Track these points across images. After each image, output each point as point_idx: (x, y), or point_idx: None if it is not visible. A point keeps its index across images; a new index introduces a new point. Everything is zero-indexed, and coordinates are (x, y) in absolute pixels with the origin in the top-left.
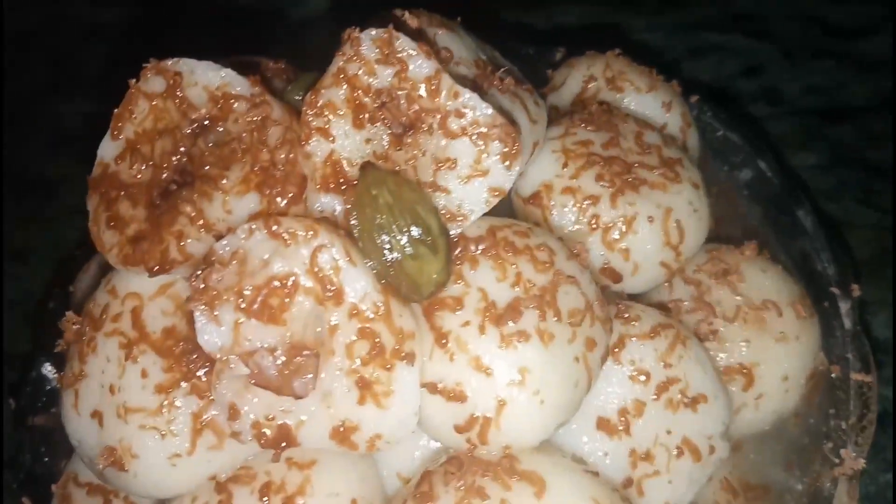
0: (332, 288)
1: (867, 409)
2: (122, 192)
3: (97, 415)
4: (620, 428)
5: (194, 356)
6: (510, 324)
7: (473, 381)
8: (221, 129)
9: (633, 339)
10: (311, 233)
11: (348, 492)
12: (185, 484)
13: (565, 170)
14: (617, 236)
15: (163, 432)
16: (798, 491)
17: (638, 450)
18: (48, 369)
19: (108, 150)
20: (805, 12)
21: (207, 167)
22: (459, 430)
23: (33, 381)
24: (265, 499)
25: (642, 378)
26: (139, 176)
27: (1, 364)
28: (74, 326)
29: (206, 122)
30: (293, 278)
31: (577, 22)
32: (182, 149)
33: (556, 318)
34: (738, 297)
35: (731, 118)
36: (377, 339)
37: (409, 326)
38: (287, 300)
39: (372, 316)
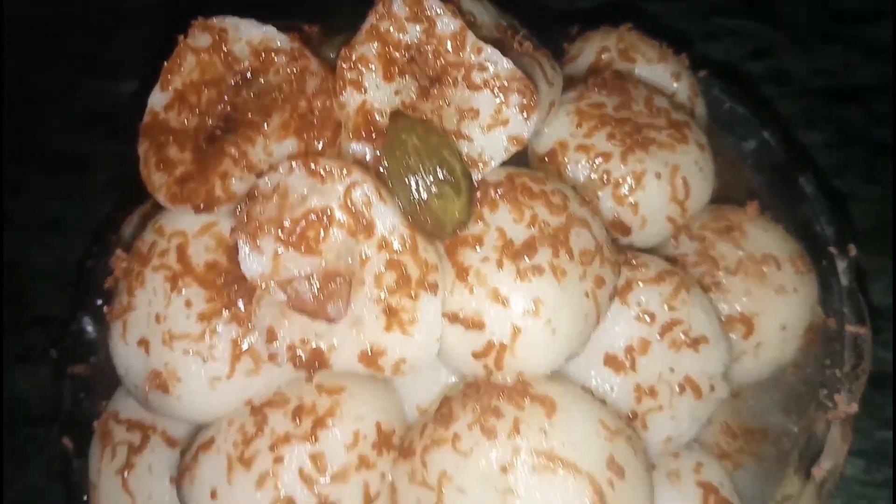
0: (364, 221)
1: (861, 359)
2: (171, 138)
3: (143, 343)
4: (627, 364)
5: (234, 287)
6: (526, 259)
7: (491, 311)
8: (263, 81)
9: (640, 283)
10: (346, 171)
11: (373, 416)
12: (223, 407)
13: (579, 129)
14: (626, 191)
15: (204, 357)
16: (794, 434)
17: (643, 385)
18: (87, 322)
19: (157, 99)
20: None
21: (250, 114)
22: (477, 356)
23: (73, 333)
24: (297, 419)
25: (648, 319)
26: (186, 123)
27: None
28: (123, 264)
29: (249, 75)
30: (329, 212)
31: (593, 3)
32: (226, 98)
33: (568, 257)
34: (740, 252)
35: (738, 92)
36: (404, 270)
37: (433, 260)
38: (322, 232)
39: (399, 248)
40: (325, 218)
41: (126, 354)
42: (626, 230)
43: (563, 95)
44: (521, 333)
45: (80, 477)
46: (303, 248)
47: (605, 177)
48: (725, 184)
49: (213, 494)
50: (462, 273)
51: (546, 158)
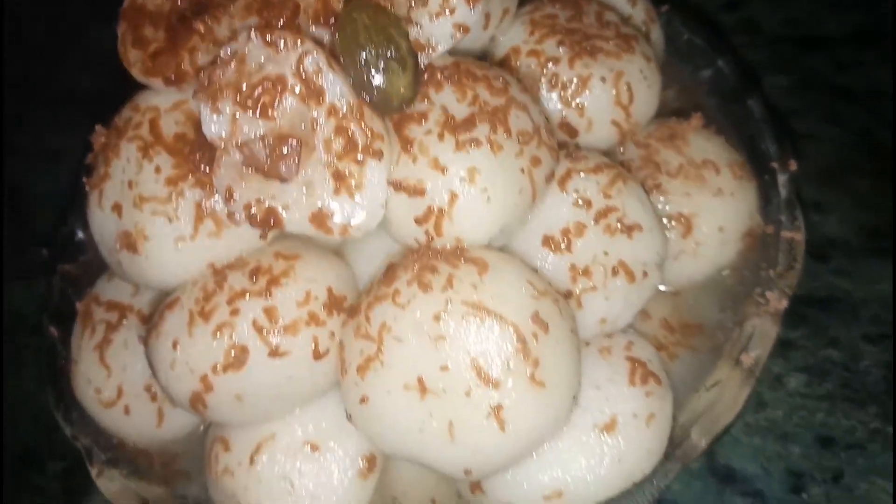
0: (314, 87)
1: (794, 261)
2: (146, 20)
3: (117, 207)
4: (562, 245)
5: (199, 154)
6: (465, 133)
7: (431, 178)
8: None
9: (580, 172)
10: (299, 41)
11: (325, 280)
12: (187, 268)
13: (531, 37)
14: (572, 93)
15: (170, 217)
16: (728, 328)
17: (577, 265)
18: (78, 226)
19: None
20: None
21: None
22: (419, 221)
23: (64, 235)
24: (254, 278)
25: (584, 205)
26: (161, 5)
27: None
28: (101, 139)
29: None
30: (282, 79)
31: None
32: None
33: (505, 134)
34: (682, 157)
35: (696, 26)
36: (351, 136)
37: (379, 129)
38: (277, 97)
39: (347, 115)
40: (279, 84)
41: (101, 220)
42: (574, 132)
43: (519, 9)
44: (458, 198)
45: (64, 360)
46: (258, 111)
47: (553, 79)
48: (681, 107)
49: (175, 345)
50: (406, 145)
51: (501, 64)
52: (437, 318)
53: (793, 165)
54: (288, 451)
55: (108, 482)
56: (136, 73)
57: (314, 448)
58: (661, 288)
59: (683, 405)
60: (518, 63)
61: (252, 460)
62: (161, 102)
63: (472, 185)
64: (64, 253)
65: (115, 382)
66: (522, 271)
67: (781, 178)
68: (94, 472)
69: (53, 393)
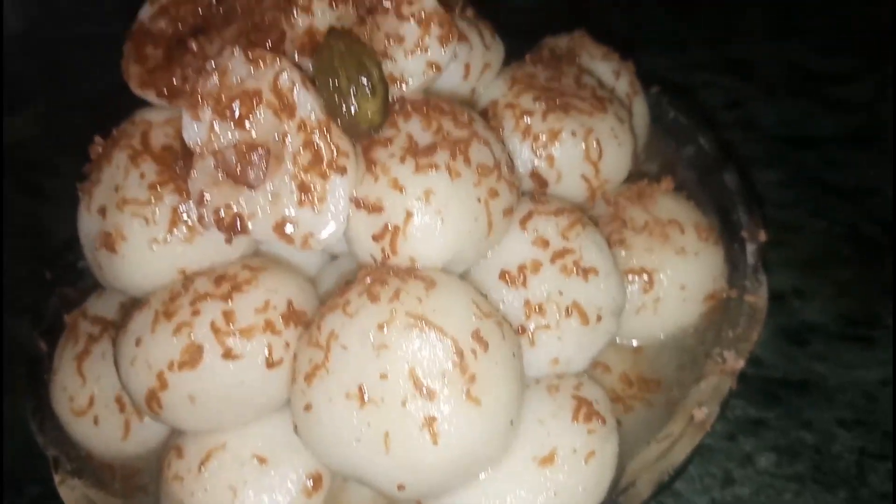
0: (287, 102)
1: (756, 323)
2: (150, 40)
3: (102, 210)
4: (518, 280)
5: (181, 163)
6: (425, 158)
7: (389, 197)
8: (231, 0)
9: (540, 214)
10: (277, 60)
11: (286, 292)
12: (160, 270)
13: (510, 91)
14: (543, 143)
15: (147, 219)
16: (685, 385)
17: (532, 301)
18: (81, 255)
19: (145, 12)
20: (792, 60)
21: (215, 24)
22: (376, 238)
23: (68, 262)
24: (219, 284)
25: (541, 244)
26: (164, 29)
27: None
28: (99, 149)
29: None
30: (259, 92)
31: None
32: (200, 12)
33: (465, 163)
34: (648, 215)
35: (683, 106)
36: (318, 151)
37: (345, 147)
38: (253, 109)
39: (316, 131)
40: (255, 97)
41: (88, 222)
42: (544, 182)
43: (504, 67)
44: (413, 217)
45: (47, 373)
46: (234, 121)
47: (526, 131)
48: (660, 177)
49: (138, 342)
50: (370, 166)
51: (481, 116)
52: (381, 327)
53: (762, 236)
54: (236, 462)
55: (70, 490)
56: (134, 86)
57: (262, 461)
58: (624, 342)
59: (633, 455)
60: (495, 115)
61: (201, 467)
62: (155, 117)
63: (427, 204)
64: (65, 277)
65: (87, 392)
66: (469, 292)
67: (750, 248)
68: (57, 479)
69: (32, 402)
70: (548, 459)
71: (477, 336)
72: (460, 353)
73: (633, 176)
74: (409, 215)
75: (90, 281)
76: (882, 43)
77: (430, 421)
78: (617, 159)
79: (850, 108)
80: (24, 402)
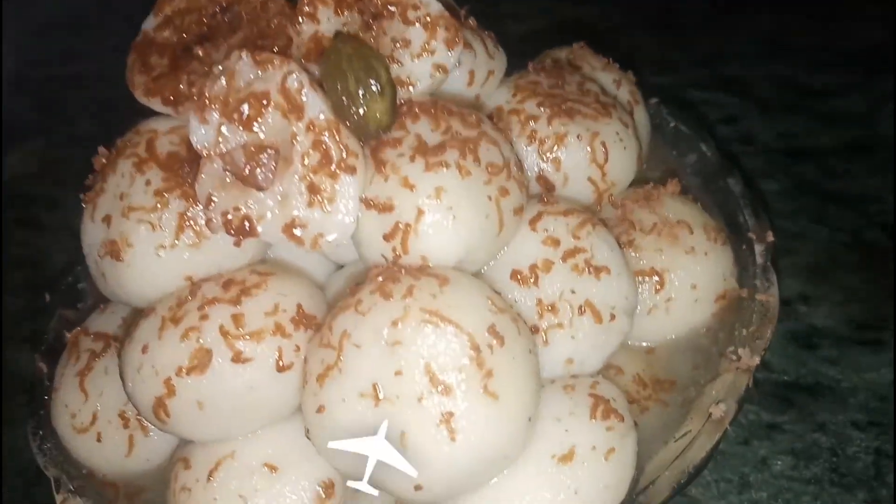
0: (295, 103)
1: (769, 322)
2: (154, 50)
3: (107, 218)
4: (530, 279)
5: (187, 169)
6: (435, 156)
7: (400, 195)
8: (236, 9)
9: (550, 214)
10: (285, 62)
11: (295, 296)
12: (166, 278)
13: (514, 97)
14: (549, 147)
15: (154, 225)
16: (700, 384)
17: (544, 300)
18: (82, 276)
19: (150, 23)
20: (784, 77)
21: (221, 31)
22: (387, 237)
23: (68, 283)
24: (227, 288)
25: (552, 243)
26: (168, 38)
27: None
28: (103, 160)
29: (225, 4)
30: (267, 94)
31: None
32: (205, 21)
33: (475, 162)
34: (656, 217)
35: (683, 115)
36: (327, 151)
37: (354, 147)
38: (261, 111)
39: (324, 132)
40: (263, 99)
41: (91, 232)
42: (551, 185)
43: (507, 76)
44: (424, 214)
45: (48, 393)
46: (242, 124)
47: (531, 135)
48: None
49: (144, 349)
50: (380, 166)
51: None
52: (394, 323)
53: (770, 237)
54: (246, 470)
55: None
56: (139, 94)
57: (272, 469)
58: (636, 344)
59: (651, 455)
60: (500, 120)
61: (209, 477)
62: (160, 126)
63: (438, 201)
64: (65, 298)
65: (90, 408)
66: (483, 287)
67: (758, 248)
68: (59, 498)
69: (32, 423)
70: (567, 457)
71: (493, 331)
72: (476, 348)
73: (638, 182)
74: (420, 213)
75: (90, 302)
76: (872, 57)
77: (447, 417)
78: (623, 162)
79: (844, 120)
80: (24, 429)
